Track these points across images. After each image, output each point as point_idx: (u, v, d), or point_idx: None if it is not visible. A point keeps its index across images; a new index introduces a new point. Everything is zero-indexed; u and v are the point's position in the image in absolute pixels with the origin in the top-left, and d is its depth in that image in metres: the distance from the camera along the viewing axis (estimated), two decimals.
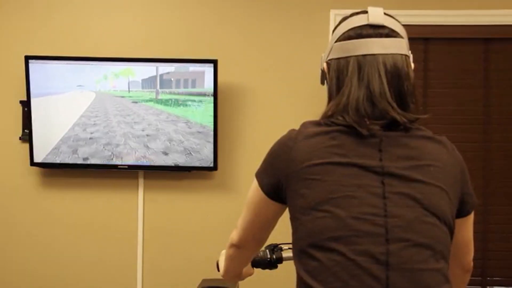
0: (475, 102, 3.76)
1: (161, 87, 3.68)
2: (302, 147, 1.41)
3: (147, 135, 3.70)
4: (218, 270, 1.86)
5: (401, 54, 1.43)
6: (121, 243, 3.87)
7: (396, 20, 1.48)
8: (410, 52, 1.48)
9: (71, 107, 3.72)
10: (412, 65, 1.47)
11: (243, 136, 3.82)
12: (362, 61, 1.42)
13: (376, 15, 1.45)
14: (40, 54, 3.74)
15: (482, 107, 3.77)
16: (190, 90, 3.67)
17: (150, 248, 3.87)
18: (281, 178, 1.44)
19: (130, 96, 3.69)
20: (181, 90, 3.67)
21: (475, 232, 1.57)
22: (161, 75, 3.68)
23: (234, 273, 1.79)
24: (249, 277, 1.90)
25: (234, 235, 1.63)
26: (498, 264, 3.76)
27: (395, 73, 1.41)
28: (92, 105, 3.70)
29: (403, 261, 1.31)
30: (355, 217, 1.33)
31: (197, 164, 3.71)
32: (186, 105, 3.68)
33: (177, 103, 3.68)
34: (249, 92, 3.81)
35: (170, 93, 3.67)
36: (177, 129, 3.68)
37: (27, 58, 3.69)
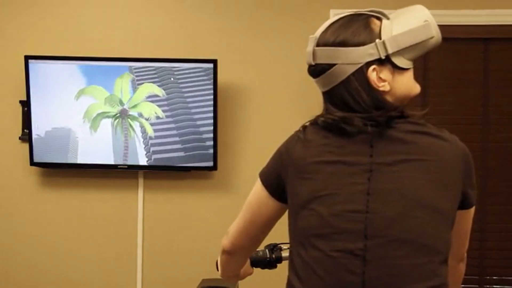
0: (474, 102, 3.76)
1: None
2: (300, 147, 1.44)
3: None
4: (218, 270, 1.86)
5: (342, 80, 1.42)
6: (121, 243, 3.87)
7: (348, 24, 1.44)
8: (383, 47, 1.40)
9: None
10: (373, 68, 1.40)
11: (243, 136, 3.82)
12: (324, 95, 1.49)
13: (308, 53, 1.47)
14: (40, 54, 3.75)
15: (481, 107, 3.77)
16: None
17: (150, 248, 3.87)
18: (282, 178, 1.47)
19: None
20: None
21: (472, 231, 1.57)
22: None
23: (233, 274, 1.81)
24: (248, 277, 1.91)
25: (225, 242, 1.64)
26: (496, 263, 3.76)
27: (341, 102, 1.43)
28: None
29: (381, 256, 1.33)
30: (336, 215, 1.36)
31: (197, 164, 3.71)
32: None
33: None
34: (249, 92, 3.81)
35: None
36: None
37: (27, 58, 3.69)
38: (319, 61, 1.44)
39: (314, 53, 1.44)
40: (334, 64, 1.42)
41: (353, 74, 1.41)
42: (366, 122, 1.39)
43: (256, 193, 1.54)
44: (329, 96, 1.45)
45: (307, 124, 1.48)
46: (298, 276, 1.39)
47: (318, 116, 1.46)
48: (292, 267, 1.42)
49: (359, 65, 1.41)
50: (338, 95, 1.43)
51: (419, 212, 1.35)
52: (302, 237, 1.39)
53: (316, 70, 1.45)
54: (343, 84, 1.42)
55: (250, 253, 1.70)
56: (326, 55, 1.43)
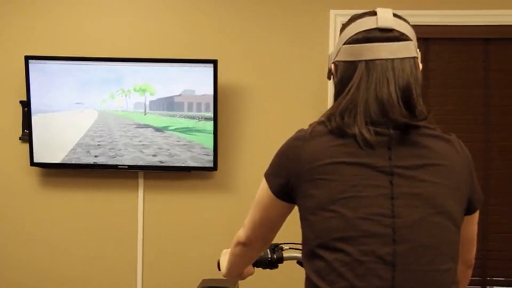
0: (475, 102, 3.76)
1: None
2: (310, 147, 1.41)
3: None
4: (219, 269, 1.86)
5: (410, 58, 1.43)
6: (121, 243, 3.87)
7: (405, 20, 1.48)
8: (418, 51, 1.48)
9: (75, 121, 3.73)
10: (420, 65, 1.47)
11: (243, 136, 3.82)
12: (371, 66, 1.42)
13: (385, 18, 1.44)
14: (40, 54, 3.75)
15: (482, 107, 3.77)
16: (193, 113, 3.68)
17: (150, 248, 3.87)
18: (290, 178, 1.44)
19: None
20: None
21: None
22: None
23: (237, 272, 1.80)
24: (249, 277, 1.90)
25: (241, 233, 1.63)
26: (499, 264, 3.76)
27: (403, 79, 1.41)
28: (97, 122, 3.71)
29: (410, 261, 1.32)
30: (363, 218, 1.33)
31: (197, 164, 3.71)
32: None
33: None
34: (249, 92, 3.81)
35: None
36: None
37: (27, 58, 3.69)
38: (399, 29, 1.44)
39: (393, 20, 1.45)
40: (408, 39, 1.45)
41: (413, 57, 1.46)
42: (383, 130, 1.37)
43: (262, 194, 1.52)
44: (388, 65, 1.42)
45: (315, 124, 1.45)
46: (323, 279, 1.36)
47: (327, 118, 1.42)
48: (314, 270, 1.39)
49: (415, 53, 1.47)
50: (400, 67, 1.42)
51: (438, 218, 1.35)
52: (324, 239, 1.36)
53: (392, 36, 1.43)
54: (409, 61, 1.44)
55: (263, 248, 1.68)
56: (405, 28, 1.46)
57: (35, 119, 3.72)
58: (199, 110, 3.67)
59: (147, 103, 3.70)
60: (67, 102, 3.72)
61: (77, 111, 3.72)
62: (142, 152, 3.72)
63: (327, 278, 1.35)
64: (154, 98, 3.69)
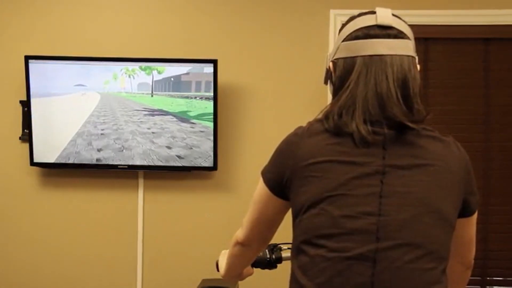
0: (475, 102, 3.76)
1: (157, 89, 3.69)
2: (306, 145, 1.42)
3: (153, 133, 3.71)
4: (218, 270, 1.86)
5: (408, 56, 1.44)
6: (121, 243, 3.87)
7: (404, 21, 1.48)
8: (415, 53, 1.49)
9: (74, 108, 3.72)
10: (418, 66, 1.47)
11: (243, 136, 3.82)
12: (369, 61, 1.42)
13: (384, 16, 1.45)
14: (40, 54, 3.75)
15: (482, 107, 3.77)
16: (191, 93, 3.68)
17: (150, 248, 3.87)
18: (285, 175, 1.45)
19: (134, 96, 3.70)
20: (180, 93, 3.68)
21: (476, 231, 1.58)
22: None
23: (235, 273, 1.80)
24: (248, 277, 1.90)
25: (239, 233, 1.64)
26: (498, 264, 3.76)
27: (401, 75, 1.41)
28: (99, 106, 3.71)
29: (391, 259, 1.33)
30: (348, 216, 1.35)
31: (197, 164, 3.71)
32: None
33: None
34: (249, 92, 3.81)
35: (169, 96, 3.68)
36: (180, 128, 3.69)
37: (27, 58, 3.69)
38: (398, 27, 1.45)
39: (392, 18, 1.46)
40: (406, 38, 1.45)
41: (412, 56, 1.46)
42: (379, 130, 1.38)
43: (259, 192, 1.53)
44: (387, 61, 1.42)
45: (313, 121, 1.46)
46: (305, 274, 1.38)
47: (325, 116, 1.43)
48: (298, 264, 1.41)
49: (413, 53, 1.47)
50: (399, 63, 1.42)
51: (428, 218, 1.35)
52: (310, 236, 1.38)
53: (392, 33, 1.44)
54: (408, 59, 1.44)
55: (261, 248, 1.69)
56: (404, 27, 1.46)
57: (34, 102, 3.70)
58: (207, 90, 3.65)
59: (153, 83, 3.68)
60: (68, 86, 3.70)
61: (78, 94, 3.70)
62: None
63: (308, 273, 1.37)
64: (159, 77, 3.67)
